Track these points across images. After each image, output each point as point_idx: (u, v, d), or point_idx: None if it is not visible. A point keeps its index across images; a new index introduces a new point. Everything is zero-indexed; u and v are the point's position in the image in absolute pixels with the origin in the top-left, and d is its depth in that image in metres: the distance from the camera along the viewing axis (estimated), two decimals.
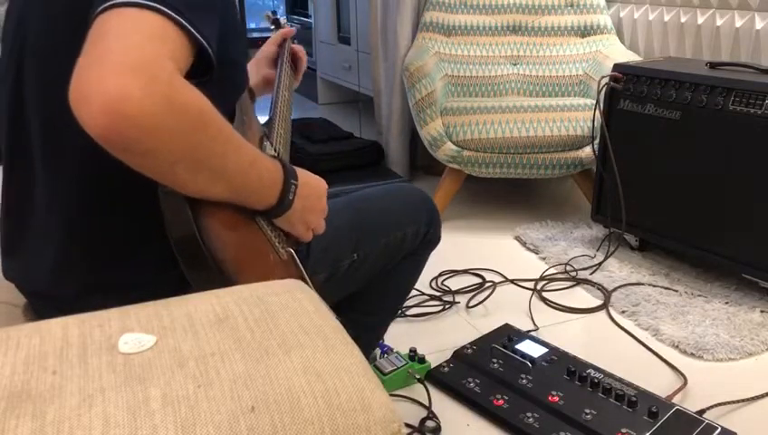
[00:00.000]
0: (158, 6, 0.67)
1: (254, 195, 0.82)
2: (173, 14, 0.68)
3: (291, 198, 0.86)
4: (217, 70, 0.76)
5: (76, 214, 0.84)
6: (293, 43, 1.39)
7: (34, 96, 0.83)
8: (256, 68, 1.33)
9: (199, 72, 0.74)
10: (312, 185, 0.93)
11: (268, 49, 1.34)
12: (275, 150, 1.08)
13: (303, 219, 0.92)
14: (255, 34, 5.51)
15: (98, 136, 0.64)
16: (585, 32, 2.64)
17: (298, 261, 0.95)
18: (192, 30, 0.70)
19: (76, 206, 0.84)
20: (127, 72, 0.63)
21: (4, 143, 0.88)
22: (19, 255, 0.90)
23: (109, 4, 0.67)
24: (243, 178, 0.78)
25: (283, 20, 1.44)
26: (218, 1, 0.79)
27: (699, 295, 1.88)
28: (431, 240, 1.30)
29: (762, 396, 1.46)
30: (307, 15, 4.48)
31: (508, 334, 1.63)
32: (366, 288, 1.24)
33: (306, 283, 0.93)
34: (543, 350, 1.57)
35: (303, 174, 0.91)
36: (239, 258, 0.81)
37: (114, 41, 0.65)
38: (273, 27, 1.43)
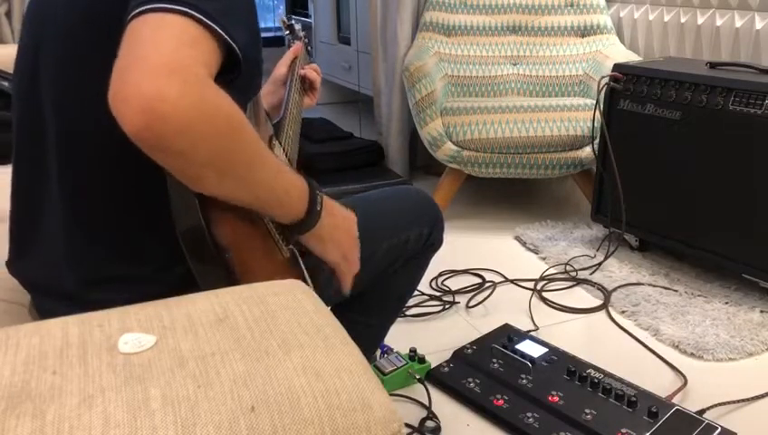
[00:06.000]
0: (194, 13, 0.70)
1: (281, 207, 0.83)
2: (207, 20, 0.71)
3: (318, 208, 0.87)
4: (243, 69, 0.79)
5: (86, 209, 0.85)
6: (308, 48, 1.39)
7: (50, 95, 0.84)
8: (268, 90, 1.33)
9: (226, 70, 0.77)
10: (337, 209, 0.94)
11: (278, 72, 1.34)
12: (284, 151, 1.08)
13: (334, 238, 0.92)
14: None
15: (135, 135, 0.67)
16: (585, 32, 2.64)
17: (300, 261, 0.95)
18: (225, 35, 0.73)
19: (87, 202, 0.85)
20: (163, 74, 0.66)
21: (16, 139, 0.89)
22: (28, 251, 0.90)
23: (145, 8, 0.69)
24: (268, 187, 0.80)
25: (297, 26, 1.44)
26: (247, 7, 0.82)
27: (699, 295, 1.88)
28: (433, 243, 1.30)
29: (762, 396, 1.46)
30: (307, 15, 4.48)
31: (508, 334, 1.63)
32: (368, 290, 1.24)
33: (306, 283, 0.93)
34: (543, 350, 1.57)
35: (326, 199, 0.92)
36: (243, 252, 0.82)
37: (151, 45, 0.68)
38: (287, 32, 1.44)
